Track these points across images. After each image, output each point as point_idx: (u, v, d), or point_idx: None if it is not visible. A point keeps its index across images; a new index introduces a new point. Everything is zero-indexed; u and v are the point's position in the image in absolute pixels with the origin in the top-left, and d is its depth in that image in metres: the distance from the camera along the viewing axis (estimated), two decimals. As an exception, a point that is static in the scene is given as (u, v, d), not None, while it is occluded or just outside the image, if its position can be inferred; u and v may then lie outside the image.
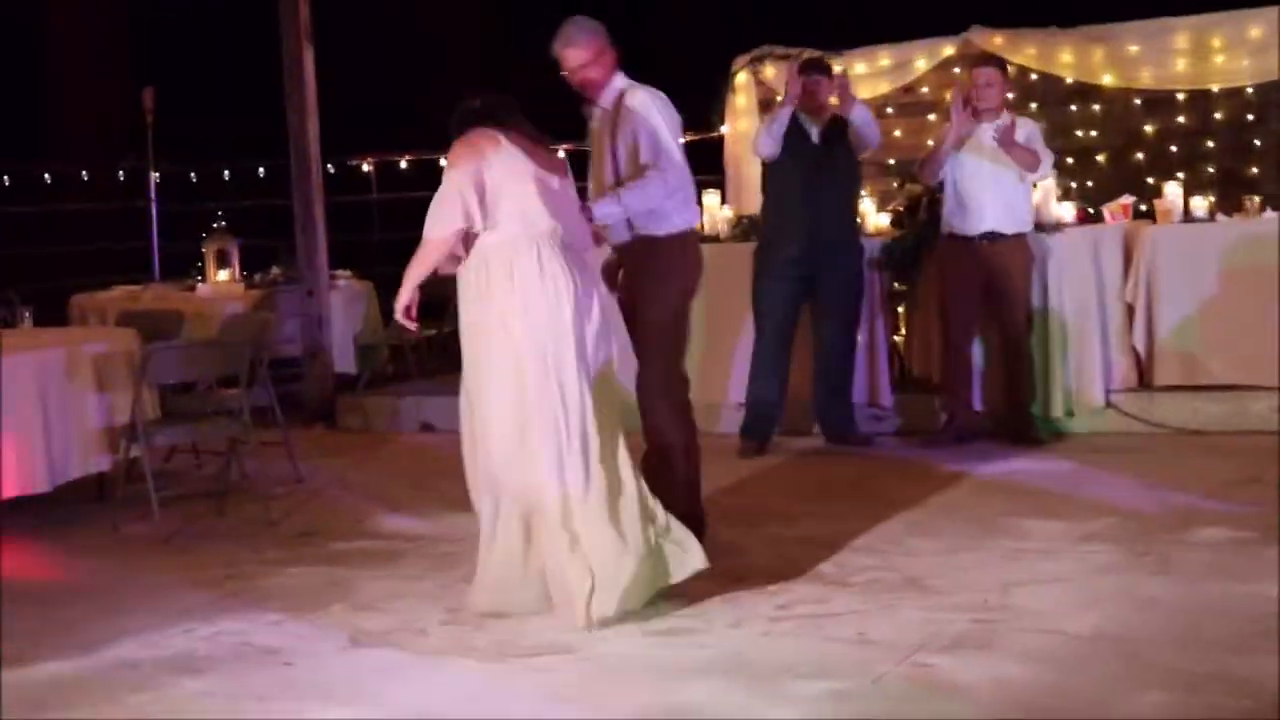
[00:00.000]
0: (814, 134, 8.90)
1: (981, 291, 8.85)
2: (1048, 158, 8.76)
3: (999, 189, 8.72)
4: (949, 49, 11.18)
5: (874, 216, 10.03)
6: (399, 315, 5.79)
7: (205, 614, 5.93)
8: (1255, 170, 10.68)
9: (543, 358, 5.52)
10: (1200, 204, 9.28)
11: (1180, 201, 9.30)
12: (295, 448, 8.80)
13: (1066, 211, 9.36)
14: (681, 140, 6.53)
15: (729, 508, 7.09)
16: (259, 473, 8.30)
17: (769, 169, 9.04)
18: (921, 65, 11.31)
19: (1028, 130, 8.80)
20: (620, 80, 6.47)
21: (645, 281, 6.45)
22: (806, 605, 5.70)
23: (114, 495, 7.80)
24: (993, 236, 8.74)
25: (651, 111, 6.34)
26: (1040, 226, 9.05)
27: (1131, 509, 6.99)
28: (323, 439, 10.34)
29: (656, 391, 6.43)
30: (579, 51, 6.39)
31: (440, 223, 5.58)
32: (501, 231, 5.58)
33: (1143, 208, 9.74)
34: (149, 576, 6.64)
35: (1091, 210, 9.67)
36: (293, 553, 6.96)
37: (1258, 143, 10.69)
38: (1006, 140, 8.53)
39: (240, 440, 8.13)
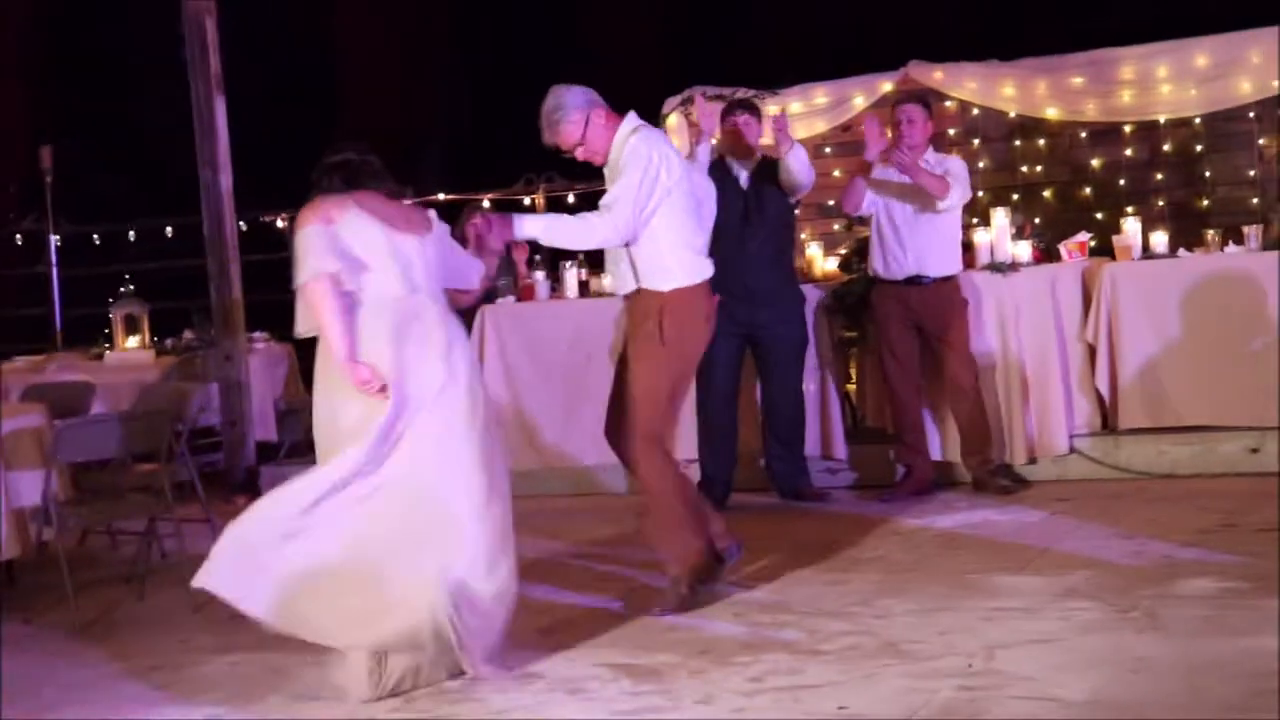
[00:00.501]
0: (742, 178, 8.63)
1: (920, 336, 8.68)
2: (960, 189, 8.51)
3: (920, 231, 8.55)
4: (887, 85, 11.05)
5: (821, 262, 9.79)
6: (373, 394, 5.46)
7: (131, 709, 5.66)
8: (1206, 202, 10.60)
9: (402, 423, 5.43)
10: (1160, 240, 9.11)
11: (1139, 237, 9.09)
12: (218, 523, 8.38)
13: (1023, 251, 9.11)
14: (672, 188, 6.33)
15: (687, 572, 6.78)
16: (180, 552, 7.98)
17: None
18: (859, 102, 11.15)
19: (949, 165, 8.63)
20: (625, 128, 6.38)
21: (641, 339, 6.39)
22: (780, 677, 5.41)
23: (25, 583, 7.52)
24: (917, 280, 8.57)
25: (634, 163, 6.24)
26: (995, 267, 8.86)
27: (1108, 561, 6.75)
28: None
29: (643, 444, 6.39)
30: (565, 136, 6.37)
31: (312, 262, 5.43)
32: (357, 298, 5.48)
33: (1093, 243, 9.52)
34: (68, 671, 6.32)
35: (1043, 247, 9.45)
36: (222, 639, 6.55)
37: (1208, 174, 10.62)
38: (908, 166, 8.35)
39: (160, 518, 7.84)
